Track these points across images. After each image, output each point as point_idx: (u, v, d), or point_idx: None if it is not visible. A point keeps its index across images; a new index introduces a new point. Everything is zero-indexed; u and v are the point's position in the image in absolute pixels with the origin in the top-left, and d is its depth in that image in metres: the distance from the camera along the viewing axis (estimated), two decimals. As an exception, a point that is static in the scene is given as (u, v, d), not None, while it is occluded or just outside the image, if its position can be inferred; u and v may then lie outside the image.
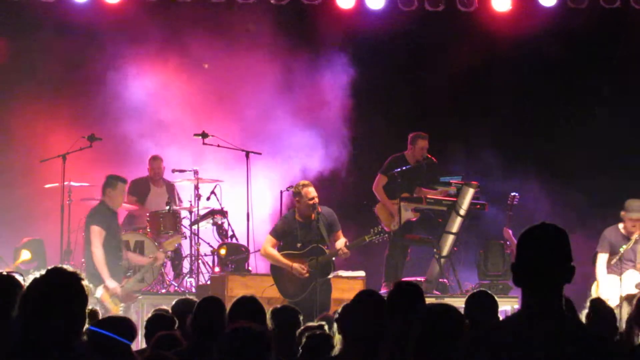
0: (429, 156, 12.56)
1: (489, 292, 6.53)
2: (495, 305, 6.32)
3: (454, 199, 12.10)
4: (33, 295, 3.87)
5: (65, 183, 12.35)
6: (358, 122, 14.49)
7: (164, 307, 7.44)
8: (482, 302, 6.24)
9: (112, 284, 10.93)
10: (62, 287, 3.86)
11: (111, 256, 11.09)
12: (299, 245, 10.56)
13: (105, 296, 10.83)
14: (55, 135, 13.57)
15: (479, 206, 12.17)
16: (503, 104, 14.56)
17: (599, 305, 6.54)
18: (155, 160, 13.56)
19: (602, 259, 11.20)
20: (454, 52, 14.36)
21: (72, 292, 3.87)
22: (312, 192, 10.53)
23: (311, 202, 10.50)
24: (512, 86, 14.55)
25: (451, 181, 12.23)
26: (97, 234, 11.06)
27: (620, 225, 11.27)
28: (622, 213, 11.23)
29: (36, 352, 3.80)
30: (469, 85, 14.56)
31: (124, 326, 5.06)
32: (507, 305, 11.72)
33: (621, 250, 11.23)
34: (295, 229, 10.60)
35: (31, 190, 13.37)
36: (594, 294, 10.73)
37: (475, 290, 6.47)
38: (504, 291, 11.82)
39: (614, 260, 11.34)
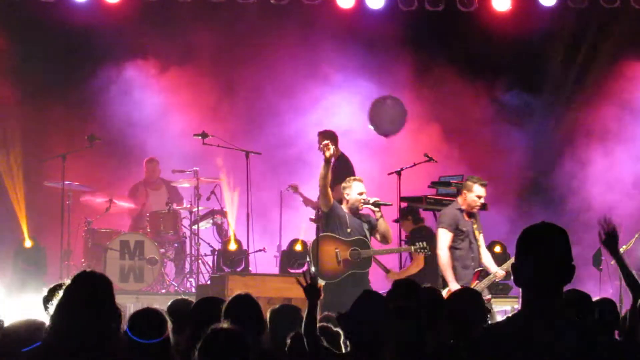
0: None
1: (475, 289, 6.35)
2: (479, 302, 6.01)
3: (454, 199, 12.05)
4: (70, 297, 4.01)
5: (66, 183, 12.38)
6: (359, 123, 14.49)
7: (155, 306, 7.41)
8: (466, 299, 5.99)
9: (455, 287, 10.09)
10: (93, 288, 4.03)
11: (460, 259, 10.42)
12: (348, 230, 10.36)
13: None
14: (55, 135, 13.58)
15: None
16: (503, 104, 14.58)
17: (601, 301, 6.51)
18: (151, 162, 13.55)
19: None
20: (454, 51, 14.40)
21: (101, 292, 4.09)
22: (361, 187, 10.39)
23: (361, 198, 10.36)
24: (512, 86, 14.55)
25: (451, 181, 12.18)
26: (443, 236, 10.38)
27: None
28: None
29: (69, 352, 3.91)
30: (468, 85, 14.57)
31: (153, 322, 5.01)
32: (507, 305, 11.71)
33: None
34: (343, 215, 10.41)
35: (31, 190, 13.35)
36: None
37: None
38: (504, 291, 11.81)
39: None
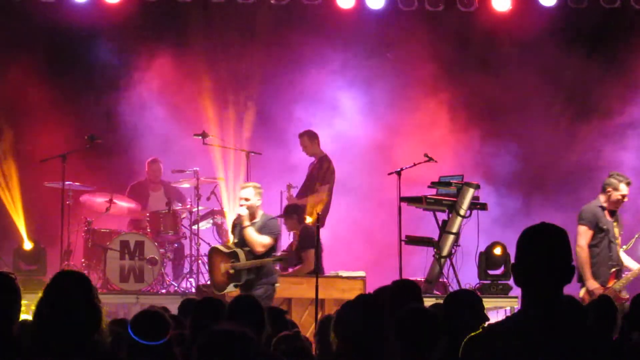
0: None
1: (473, 290, 6.25)
2: (478, 304, 5.78)
3: (454, 199, 12.06)
4: (50, 296, 4.00)
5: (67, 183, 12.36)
6: (357, 123, 14.51)
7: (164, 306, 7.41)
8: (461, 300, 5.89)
9: (592, 285, 10.12)
10: (75, 286, 4.01)
11: (598, 258, 10.28)
12: (232, 243, 10.54)
13: (585, 296, 10.08)
14: (55, 135, 13.57)
15: (479, 206, 12.13)
16: (503, 104, 14.57)
17: (606, 302, 6.48)
18: (154, 163, 13.55)
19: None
20: (453, 51, 14.41)
21: (76, 292, 4.04)
22: (241, 193, 10.42)
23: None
24: (512, 86, 14.54)
25: (451, 181, 12.19)
26: (582, 233, 10.26)
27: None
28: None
29: (54, 352, 3.90)
30: (468, 85, 14.57)
31: (156, 323, 4.99)
32: (507, 306, 11.72)
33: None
34: (237, 225, 10.54)
35: (31, 190, 13.34)
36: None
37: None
38: (504, 291, 11.81)
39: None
